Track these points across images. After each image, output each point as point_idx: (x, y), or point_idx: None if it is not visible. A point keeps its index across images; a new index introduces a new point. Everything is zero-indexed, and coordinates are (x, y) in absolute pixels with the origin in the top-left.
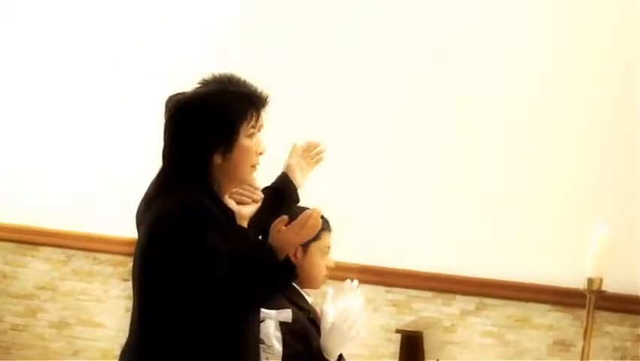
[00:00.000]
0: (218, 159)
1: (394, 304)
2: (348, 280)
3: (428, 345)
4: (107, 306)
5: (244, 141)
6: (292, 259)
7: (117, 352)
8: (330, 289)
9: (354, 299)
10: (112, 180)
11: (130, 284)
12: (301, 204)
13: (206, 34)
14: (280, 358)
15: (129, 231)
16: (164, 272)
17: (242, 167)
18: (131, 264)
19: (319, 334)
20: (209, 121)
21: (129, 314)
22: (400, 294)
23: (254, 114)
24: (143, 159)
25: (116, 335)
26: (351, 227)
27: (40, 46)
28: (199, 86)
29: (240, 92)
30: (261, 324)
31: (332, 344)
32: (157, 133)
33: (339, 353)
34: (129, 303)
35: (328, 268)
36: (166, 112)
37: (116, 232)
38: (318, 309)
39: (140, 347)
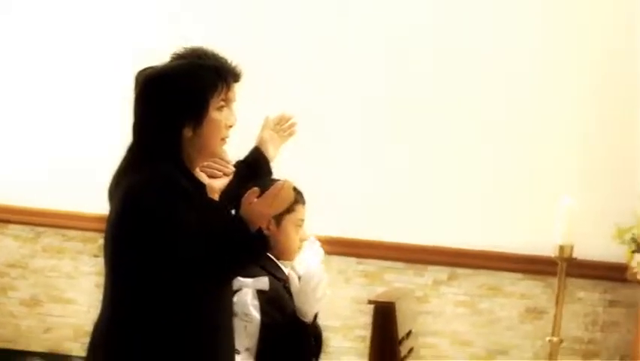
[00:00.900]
0: (188, 133)
1: (366, 275)
2: (310, 237)
3: (401, 316)
4: (78, 282)
5: (214, 114)
6: (265, 231)
7: (89, 328)
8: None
9: (315, 257)
10: (81, 156)
11: (100, 260)
12: (274, 177)
13: (173, 10)
14: (258, 326)
15: (99, 207)
16: (135, 247)
17: (212, 140)
18: (101, 240)
19: None
20: (178, 94)
21: (100, 290)
22: (371, 265)
23: (224, 87)
24: (113, 134)
25: (87, 311)
26: (323, 199)
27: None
28: (170, 59)
29: (210, 65)
30: (239, 293)
31: (302, 305)
32: (127, 108)
33: (312, 315)
34: (100, 279)
35: (302, 240)
36: (136, 86)
37: (86, 208)
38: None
39: (113, 322)
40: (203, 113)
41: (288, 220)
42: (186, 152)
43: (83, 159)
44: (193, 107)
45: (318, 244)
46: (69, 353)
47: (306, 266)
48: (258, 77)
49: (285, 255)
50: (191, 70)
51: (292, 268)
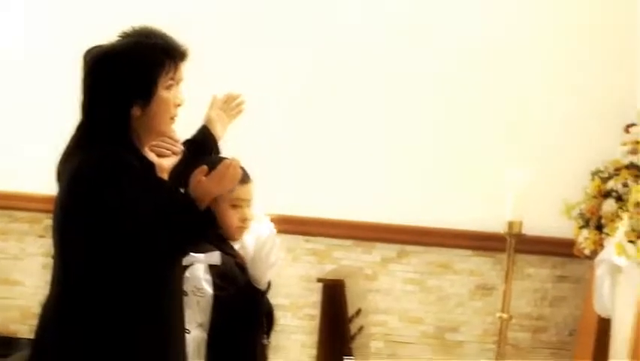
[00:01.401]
0: (137, 112)
1: (314, 254)
2: (257, 212)
3: (350, 294)
4: (24, 264)
5: (162, 93)
6: None
7: (36, 310)
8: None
9: (265, 225)
10: (27, 135)
11: (47, 241)
12: (222, 155)
13: None
14: (211, 301)
15: (45, 187)
16: (84, 226)
17: (160, 119)
18: (47, 220)
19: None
20: (127, 73)
21: (47, 271)
22: (319, 243)
23: (171, 66)
24: (60, 113)
25: (34, 292)
26: (270, 177)
27: None
28: (118, 38)
29: (158, 45)
30: (191, 268)
31: (256, 272)
32: (75, 87)
33: (266, 281)
34: (46, 260)
35: (242, 220)
36: (83, 65)
37: (32, 189)
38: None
39: (62, 303)
40: (151, 92)
41: (222, 199)
42: (135, 131)
43: (28, 139)
44: (141, 86)
45: (265, 215)
46: (16, 335)
47: (257, 234)
48: (204, 56)
49: (225, 234)
50: (139, 49)
51: (244, 241)
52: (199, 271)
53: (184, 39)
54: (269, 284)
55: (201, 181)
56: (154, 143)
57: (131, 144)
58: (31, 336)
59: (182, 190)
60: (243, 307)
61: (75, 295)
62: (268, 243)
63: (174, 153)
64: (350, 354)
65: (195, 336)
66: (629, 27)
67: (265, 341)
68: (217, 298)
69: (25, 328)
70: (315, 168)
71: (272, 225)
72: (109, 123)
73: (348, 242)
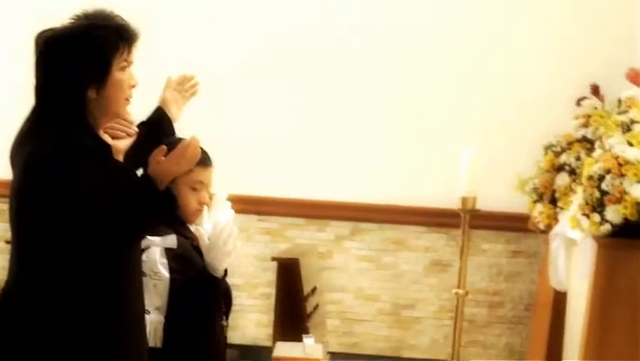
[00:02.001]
0: (92, 94)
1: (268, 233)
2: (216, 195)
3: (305, 272)
4: None
5: (117, 74)
6: None
7: None
8: (204, 209)
9: (225, 212)
10: None
11: (1, 226)
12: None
13: None
14: (168, 284)
15: (0, 172)
16: (42, 210)
17: (116, 101)
18: (3, 205)
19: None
20: (80, 56)
21: (2, 257)
22: (273, 222)
23: (125, 48)
24: (13, 97)
25: None
26: (223, 157)
27: None
28: (70, 21)
29: (110, 26)
30: (147, 251)
31: (213, 260)
32: (27, 71)
33: (223, 269)
34: (1, 245)
35: (201, 203)
36: (36, 49)
37: None
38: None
39: (23, 288)
40: (106, 73)
41: (181, 181)
42: (91, 113)
43: None
44: (96, 68)
45: (226, 201)
46: None
47: (215, 221)
48: (157, 38)
49: (182, 216)
50: (92, 31)
51: (199, 225)
52: (155, 254)
53: (138, 20)
54: (225, 270)
55: (160, 161)
56: (108, 125)
57: (87, 126)
58: None
59: (140, 171)
60: (201, 291)
61: (35, 279)
62: (225, 231)
63: (129, 135)
64: (306, 332)
65: (152, 319)
66: (585, 4)
67: (224, 323)
68: (174, 282)
69: None
70: (266, 146)
71: (231, 211)
72: (64, 106)
73: (301, 220)
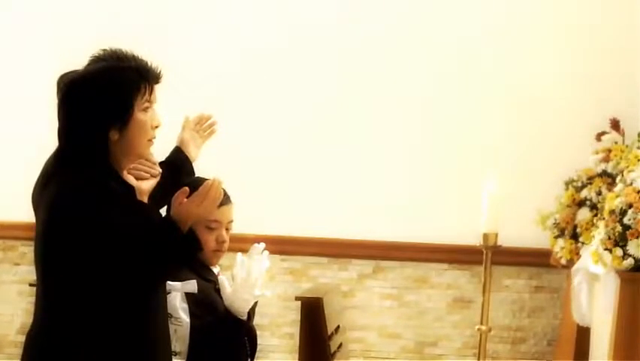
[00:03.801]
0: (114, 135)
1: (291, 272)
2: (255, 244)
3: (328, 311)
4: (0, 292)
5: (139, 115)
6: None
7: (13, 337)
8: (239, 255)
9: (260, 262)
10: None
11: (22, 268)
12: (201, 176)
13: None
14: (188, 329)
15: (20, 215)
16: (67, 254)
17: (138, 141)
18: (22, 248)
19: None
20: (103, 97)
21: (22, 299)
22: (296, 262)
23: (147, 88)
24: (35, 141)
25: (10, 320)
26: (245, 197)
27: None
28: (89, 63)
29: (131, 67)
30: (167, 296)
31: (234, 302)
32: (49, 116)
33: (246, 310)
34: (22, 287)
35: (219, 242)
36: (58, 91)
37: (6, 217)
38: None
39: (48, 331)
40: (128, 115)
41: (197, 221)
42: (113, 154)
43: (1, 165)
44: (118, 110)
45: (264, 252)
46: None
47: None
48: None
49: (202, 257)
50: (114, 72)
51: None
52: (175, 299)
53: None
54: (250, 316)
55: (183, 203)
56: (132, 166)
57: (110, 168)
58: None
59: (163, 212)
60: (223, 335)
61: (60, 322)
62: (254, 274)
63: (153, 176)
64: None
65: None
66: (605, 37)
67: None
68: (194, 327)
69: (3, 357)
70: (288, 186)
71: (267, 263)
72: (87, 148)
73: (324, 259)
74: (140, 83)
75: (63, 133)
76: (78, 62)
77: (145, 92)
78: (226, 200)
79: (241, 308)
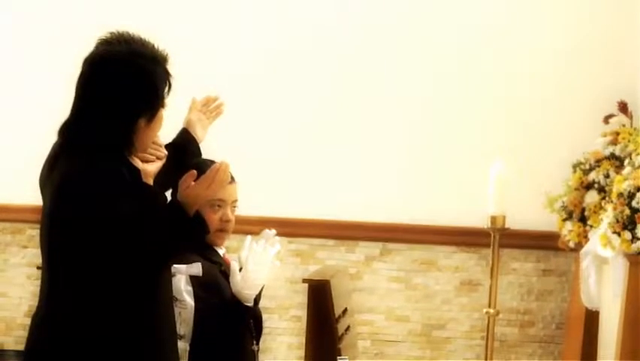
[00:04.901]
0: (142, 123)
1: (298, 255)
2: (266, 230)
3: (335, 294)
4: (8, 275)
5: (161, 111)
6: None
7: (21, 320)
8: (248, 238)
9: (270, 248)
10: (6, 145)
11: (30, 251)
12: (208, 158)
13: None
14: (193, 312)
15: (28, 197)
16: (74, 237)
17: (152, 135)
18: (30, 230)
19: None
20: (144, 85)
21: (30, 282)
22: (302, 244)
23: (170, 85)
24: (40, 123)
25: (18, 303)
26: (252, 179)
27: None
28: (97, 45)
29: (158, 60)
30: (172, 279)
31: (244, 289)
32: (53, 99)
33: (253, 297)
34: (30, 270)
35: (224, 221)
36: (87, 68)
37: (14, 200)
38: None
39: (54, 312)
40: (158, 107)
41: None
42: (132, 142)
43: (7, 149)
44: (152, 99)
45: (274, 237)
46: (1, 347)
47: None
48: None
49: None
50: (146, 61)
51: (239, 258)
52: (180, 282)
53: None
54: (257, 299)
55: (190, 186)
56: None
57: (121, 153)
58: (18, 348)
59: (169, 195)
60: (227, 318)
61: (66, 306)
62: (263, 262)
63: (158, 158)
64: (338, 354)
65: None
66: (611, 20)
67: (254, 348)
68: (198, 310)
69: (11, 340)
70: (295, 168)
71: (278, 247)
72: (114, 130)
73: (331, 242)
74: (169, 79)
75: (85, 110)
76: (77, 63)
77: (169, 89)
78: (230, 179)
79: (248, 296)
